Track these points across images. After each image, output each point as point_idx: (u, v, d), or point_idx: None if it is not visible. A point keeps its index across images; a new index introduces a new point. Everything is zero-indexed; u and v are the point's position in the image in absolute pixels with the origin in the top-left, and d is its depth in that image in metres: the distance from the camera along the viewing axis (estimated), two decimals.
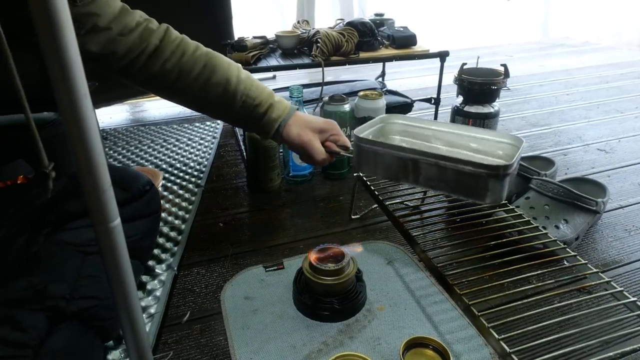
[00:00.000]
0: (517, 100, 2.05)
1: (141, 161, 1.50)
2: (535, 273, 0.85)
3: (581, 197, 1.02)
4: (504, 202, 0.90)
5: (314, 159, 0.89)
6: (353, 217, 1.14)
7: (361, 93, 1.33)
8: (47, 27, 0.43)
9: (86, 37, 0.70)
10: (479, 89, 1.35)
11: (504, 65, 1.36)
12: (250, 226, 1.15)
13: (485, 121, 1.36)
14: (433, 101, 1.51)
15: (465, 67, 1.40)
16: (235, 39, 1.46)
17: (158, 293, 0.90)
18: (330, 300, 0.83)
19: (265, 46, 1.47)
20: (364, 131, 0.89)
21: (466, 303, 0.67)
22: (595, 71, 2.47)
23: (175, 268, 0.98)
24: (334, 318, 0.84)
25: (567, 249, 0.78)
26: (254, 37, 1.47)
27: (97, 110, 1.66)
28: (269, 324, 0.83)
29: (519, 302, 0.73)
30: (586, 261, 0.75)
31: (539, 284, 0.80)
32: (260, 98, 0.84)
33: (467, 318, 0.76)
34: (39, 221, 0.73)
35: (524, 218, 0.88)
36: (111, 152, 1.58)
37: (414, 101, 1.62)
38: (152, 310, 0.86)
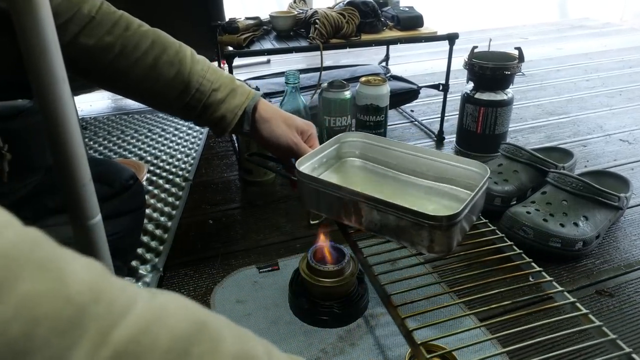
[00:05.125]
0: (532, 87, 2.04)
1: (124, 153, 1.50)
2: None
3: (602, 191, 1.02)
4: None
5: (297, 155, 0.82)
6: (312, 222, 1.08)
7: (363, 79, 1.33)
8: (22, 4, 0.42)
9: None
10: (491, 75, 1.34)
11: (518, 49, 1.35)
12: (243, 223, 1.15)
13: (498, 109, 1.36)
14: (441, 87, 1.50)
15: (476, 50, 1.40)
16: (226, 19, 1.46)
17: None
18: (330, 304, 0.83)
19: (259, 28, 1.46)
20: (319, 154, 0.85)
21: (407, 329, 0.63)
22: (617, 55, 2.46)
23: (161, 269, 0.98)
24: (334, 323, 0.84)
25: (533, 264, 0.74)
26: (247, 18, 1.47)
27: (76, 97, 1.65)
28: (262, 330, 0.84)
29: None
30: (552, 278, 0.70)
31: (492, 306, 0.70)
32: (219, 81, 0.78)
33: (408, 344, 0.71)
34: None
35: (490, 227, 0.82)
36: (91, 142, 1.58)
37: (421, 87, 1.62)
38: None
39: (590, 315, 0.64)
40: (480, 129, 1.40)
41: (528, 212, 1.00)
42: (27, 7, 0.42)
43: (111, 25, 0.71)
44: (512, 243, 0.78)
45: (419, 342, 0.62)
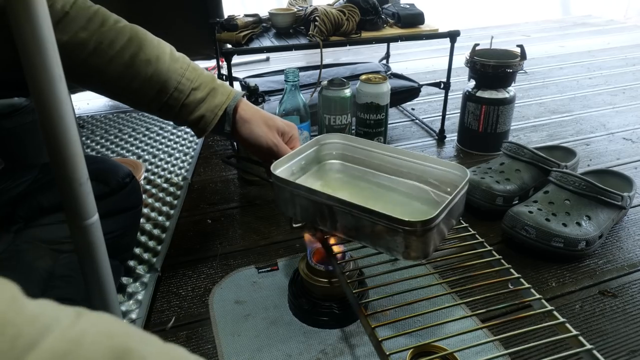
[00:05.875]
0: (534, 85, 2.04)
1: (121, 151, 1.50)
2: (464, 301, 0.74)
3: (605, 191, 1.02)
4: None
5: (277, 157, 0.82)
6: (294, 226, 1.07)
7: (363, 77, 1.33)
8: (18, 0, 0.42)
9: None
10: (493, 73, 1.34)
11: (520, 46, 1.35)
12: (242, 223, 1.14)
13: (500, 107, 1.36)
14: (442, 86, 1.50)
15: (477, 48, 1.40)
16: (225, 17, 1.45)
17: (140, 296, 0.90)
18: (330, 305, 0.83)
19: (258, 25, 1.46)
20: (297, 157, 0.84)
21: (377, 340, 0.63)
22: (620, 52, 2.46)
23: (159, 269, 0.97)
24: (334, 324, 0.84)
25: (511, 270, 0.73)
26: (246, 15, 1.47)
27: (73, 95, 1.65)
28: (261, 331, 0.84)
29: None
30: (530, 285, 0.70)
31: (466, 316, 0.72)
32: (199, 80, 0.77)
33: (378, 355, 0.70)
34: (7, 217, 0.73)
35: (470, 231, 0.82)
36: (88, 141, 1.57)
37: (422, 85, 1.61)
38: (134, 316, 0.85)
39: (567, 325, 0.63)
40: (481, 128, 1.40)
41: (530, 212, 1.00)
42: (23, 3, 0.42)
43: (86, 21, 0.70)
44: (491, 248, 0.77)
45: (387, 353, 0.61)
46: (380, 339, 0.63)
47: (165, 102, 0.76)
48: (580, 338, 0.61)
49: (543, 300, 0.67)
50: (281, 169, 0.80)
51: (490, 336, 0.80)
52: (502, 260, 0.74)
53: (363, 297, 0.86)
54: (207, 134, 0.82)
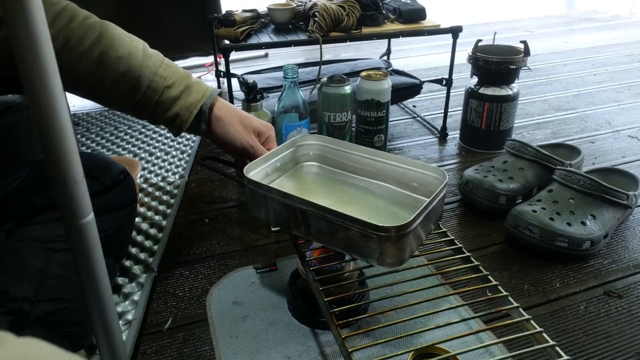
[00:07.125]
0: (538, 82, 2.04)
1: (117, 149, 1.50)
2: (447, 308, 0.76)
3: (610, 189, 1.01)
4: None
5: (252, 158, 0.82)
6: (273, 229, 1.04)
7: (364, 73, 1.33)
8: None
9: None
10: (496, 69, 1.34)
11: (524, 42, 1.35)
12: (240, 222, 1.14)
13: (503, 104, 1.35)
14: (444, 82, 1.50)
15: (480, 44, 1.39)
16: (223, 12, 1.45)
17: (136, 297, 0.90)
18: (329, 306, 0.83)
19: (257, 20, 1.46)
20: (272, 158, 0.84)
21: (347, 350, 0.63)
22: (625, 48, 2.46)
23: (156, 269, 0.97)
24: None
25: (489, 277, 0.73)
26: (244, 11, 1.46)
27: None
28: (260, 332, 0.84)
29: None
30: (507, 293, 0.70)
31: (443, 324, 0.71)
32: (173, 77, 0.76)
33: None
34: None
35: (448, 236, 0.82)
36: (83, 139, 1.57)
37: (423, 82, 1.61)
38: (130, 317, 0.85)
39: (544, 334, 0.64)
40: (484, 125, 1.40)
41: (534, 211, 1.00)
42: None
43: (53, 17, 0.68)
44: (469, 254, 0.78)
45: None
46: (350, 350, 0.63)
47: (138, 100, 0.75)
48: (557, 348, 0.61)
49: (520, 309, 0.68)
50: (255, 171, 0.79)
51: (494, 338, 0.80)
52: (481, 267, 0.75)
53: (364, 297, 0.87)
54: (183, 132, 0.81)
